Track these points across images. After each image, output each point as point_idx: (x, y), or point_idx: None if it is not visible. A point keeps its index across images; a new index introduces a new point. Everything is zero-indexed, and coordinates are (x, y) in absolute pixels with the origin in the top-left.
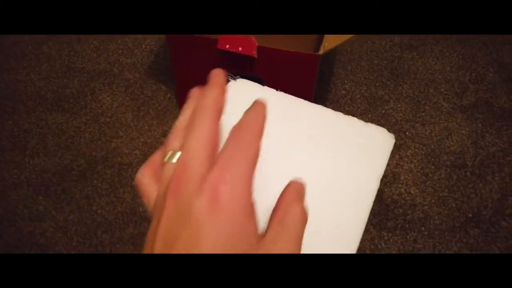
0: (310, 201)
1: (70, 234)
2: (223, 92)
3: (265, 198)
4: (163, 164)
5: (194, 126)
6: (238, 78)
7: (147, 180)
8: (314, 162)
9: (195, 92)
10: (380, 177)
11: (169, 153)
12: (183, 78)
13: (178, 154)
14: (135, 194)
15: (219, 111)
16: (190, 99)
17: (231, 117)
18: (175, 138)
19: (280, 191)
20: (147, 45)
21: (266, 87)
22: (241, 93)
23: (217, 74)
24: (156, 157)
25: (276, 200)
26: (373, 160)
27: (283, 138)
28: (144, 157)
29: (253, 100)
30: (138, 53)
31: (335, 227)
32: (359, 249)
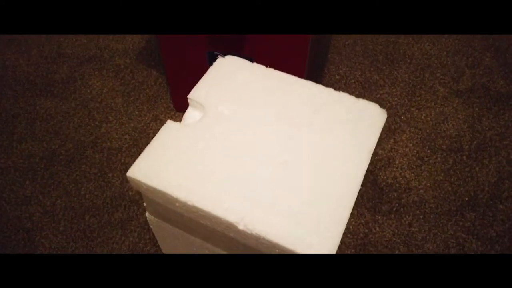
0: (301, 174)
1: (57, 218)
2: None
3: (256, 174)
4: None
5: None
6: (228, 56)
7: None
8: (304, 137)
9: None
10: (372, 151)
11: None
12: (173, 62)
13: None
14: (124, 178)
15: None
16: None
17: (224, 94)
18: None
19: (271, 166)
20: None
21: (255, 64)
22: (231, 69)
23: None
24: None
25: (267, 174)
26: (364, 135)
27: (273, 113)
28: (134, 142)
29: (243, 76)
30: (129, 39)
31: (326, 200)
32: (353, 232)
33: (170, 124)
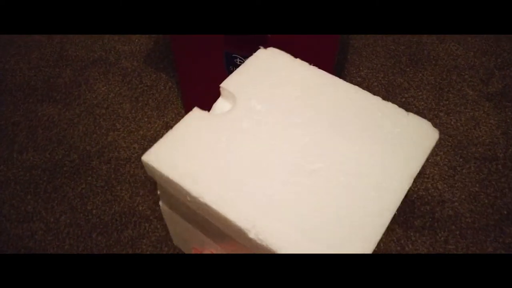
0: (331, 187)
1: (61, 236)
2: None
3: (280, 180)
4: None
5: None
6: (270, 48)
7: None
8: (341, 146)
9: None
10: (414, 175)
11: None
12: (186, 64)
13: None
14: (134, 192)
15: None
16: None
17: (259, 88)
18: None
19: (298, 173)
20: None
21: (298, 60)
22: (271, 62)
23: None
24: None
25: (293, 182)
26: (409, 155)
27: (311, 115)
28: (143, 151)
29: (284, 71)
30: (136, 40)
31: (354, 220)
32: (384, 250)
33: (196, 112)
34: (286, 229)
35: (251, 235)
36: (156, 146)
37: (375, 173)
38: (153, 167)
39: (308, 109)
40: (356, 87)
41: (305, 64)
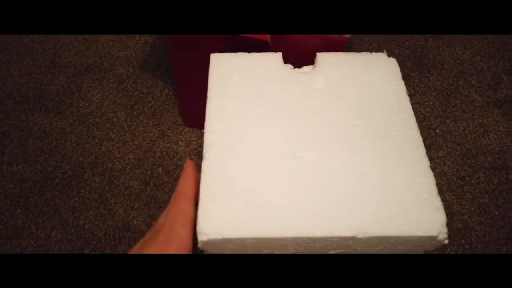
0: (304, 181)
1: (52, 253)
2: (192, 180)
3: (267, 147)
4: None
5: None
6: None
7: None
8: (349, 160)
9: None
10: (378, 235)
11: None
12: (185, 70)
13: None
14: (128, 205)
15: (191, 195)
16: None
17: (341, 73)
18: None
19: (288, 153)
20: (142, 36)
21: (401, 83)
22: (373, 61)
23: (187, 166)
24: None
25: (275, 154)
26: (399, 226)
27: (351, 126)
28: (138, 162)
29: (375, 74)
30: (132, 45)
31: (299, 216)
32: None
33: (277, 55)
34: (230, 180)
35: (205, 150)
36: (226, 54)
37: (350, 194)
38: (210, 66)
39: (353, 117)
40: (419, 136)
41: (401, 85)
